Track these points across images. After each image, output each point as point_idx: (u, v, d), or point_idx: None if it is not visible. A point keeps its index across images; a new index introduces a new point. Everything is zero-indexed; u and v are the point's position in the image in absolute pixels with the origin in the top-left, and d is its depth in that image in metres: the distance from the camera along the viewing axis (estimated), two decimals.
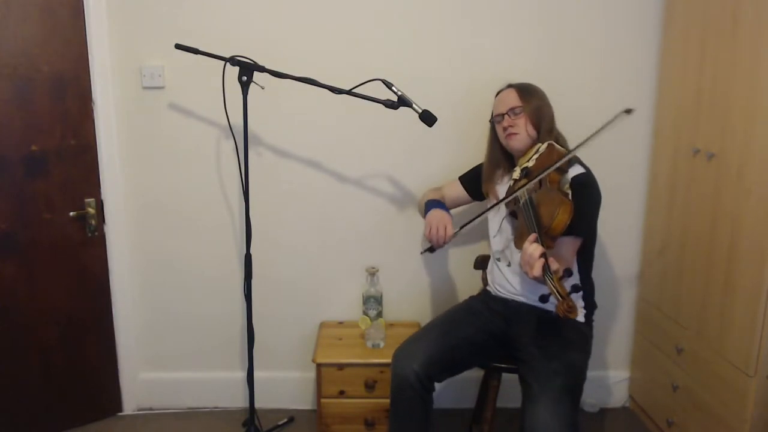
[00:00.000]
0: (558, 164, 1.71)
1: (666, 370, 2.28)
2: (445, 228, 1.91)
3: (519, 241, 1.72)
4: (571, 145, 1.92)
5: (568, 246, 1.76)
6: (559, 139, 1.94)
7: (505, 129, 1.92)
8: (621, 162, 2.42)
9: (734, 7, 1.85)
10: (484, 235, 2.37)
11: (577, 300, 1.95)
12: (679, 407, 2.18)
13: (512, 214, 1.91)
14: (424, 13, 2.29)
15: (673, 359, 2.23)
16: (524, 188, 1.74)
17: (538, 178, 1.72)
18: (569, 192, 1.78)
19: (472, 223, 1.85)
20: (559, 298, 1.44)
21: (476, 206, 2.24)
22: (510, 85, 1.98)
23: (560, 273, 1.49)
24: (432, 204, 2.06)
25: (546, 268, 1.48)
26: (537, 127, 1.91)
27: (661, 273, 2.32)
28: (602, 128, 1.59)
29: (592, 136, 1.60)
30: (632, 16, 2.31)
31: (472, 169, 2.17)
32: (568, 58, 2.33)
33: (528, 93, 1.93)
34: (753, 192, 1.78)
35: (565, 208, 1.63)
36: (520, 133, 1.90)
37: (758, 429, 1.81)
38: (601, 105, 2.35)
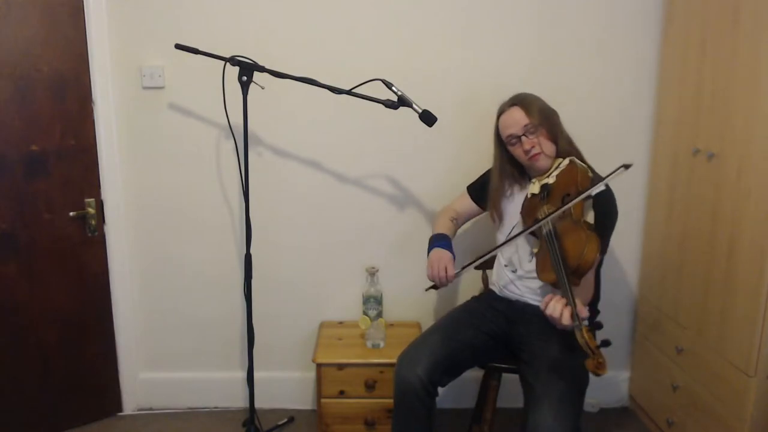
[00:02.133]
0: (587, 194, 1.68)
1: (666, 370, 2.28)
2: (446, 269, 1.87)
3: (541, 271, 1.71)
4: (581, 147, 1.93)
5: (592, 271, 1.75)
6: (571, 144, 1.91)
7: (527, 152, 1.85)
8: (621, 162, 2.41)
9: (734, 6, 1.85)
10: (484, 236, 2.37)
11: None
12: (679, 407, 2.18)
13: (533, 234, 1.84)
14: (424, 14, 2.29)
15: (673, 359, 2.23)
16: (547, 218, 1.71)
17: (564, 208, 1.68)
18: (591, 214, 1.76)
19: (479, 261, 1.83)
20: (590, 353, 1.43)
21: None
22: (513, 103, 1.90)
23: (585, 319, 1.48)
24: (435, 241, 1.98)
25: (575, 317, 1.48)
26: (554, 140, 1.87)
27: (661, 273, 2.32)
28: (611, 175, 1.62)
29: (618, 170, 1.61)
30: (632, 17, 2.31)
31: (479, 178, 2.13)
32: (569, 58, 2.33)
33: (533, 106, 1.88)
34: (753, 192, 1.78)
35: (592, 246, 1.59)
36: (545, 151, 1.85)
37: (758, 429, 1.81)
38: (602, 105, 2.36)
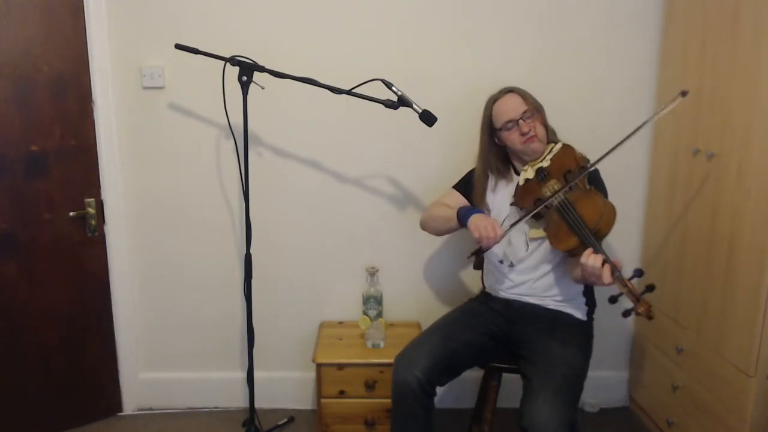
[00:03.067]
0: (593, 165, 1.78)
1: (666, 370, 2.28)
2: (495, 229, 1.81)
3: (557, 241, 1.76)
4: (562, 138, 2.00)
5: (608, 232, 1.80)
6: (555, 135, 2.00)
7: (524, 134, 1.89)
8: (621, 162, 2.41)
9: (734, 7, 1.85)
10: None
11: (579, 297, 1.95)
12: (679, 407, 2.18)
13: (534, 216, 1.87)
14: (424, 14, 2.29)
15: (672, 359, 2.23)
16: (561, 191, 1.77)
17: (579, 177, 1.77)
18: None
19: (520, 221, 1.85)
20: (636, 300, 1.47)
21: None
22: (510, 90, 1.97)
23: (628, 273, 1.52)
24: (469, 210, 1.93)
25: (614, 271, 1.53)
26: (545, 125, 1.94)
27: (661, 273, 2.32)
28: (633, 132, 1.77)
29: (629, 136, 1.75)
30: (632, 17, 2.31)
31: (464, 177, 2.13)
32: (568, 58, 2.33)
33: (527, 95, 1.95)
34: (753, 192, 1.78)
35: (610, 210, 1.67)
36: (538, 135, 1.90)
37: (758, 429, 1.81)
38: (602, 105, 2.36)
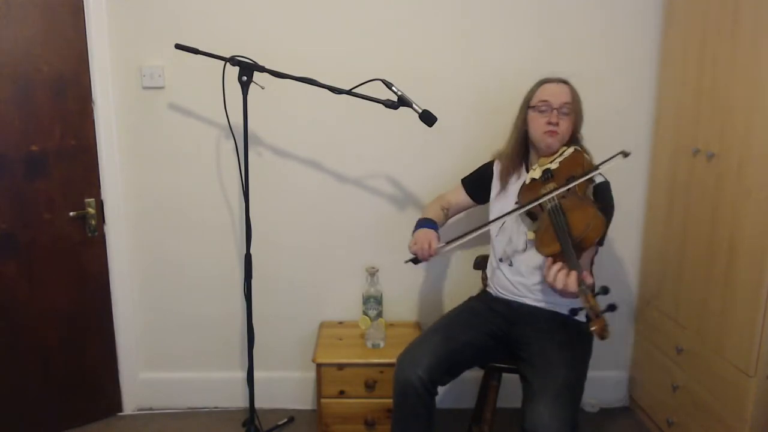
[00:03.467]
0: (592, 174, 1.73)
1: (666, 370, 2.28)
2: (430, 243, 1.90)
3: (542, 245, 1.71)
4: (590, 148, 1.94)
5: (590, 254, 1.76)
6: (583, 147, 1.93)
7: (549, 123, 1.87)
8: (621, 162, 2.41)
9: (734, 7, 1.85)
10: (484, 236, 2.36)
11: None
12: (679, 407, 2.18)
13: (529, 215, 1.88)
14: (424, 14, 2.29)
15: (672, 359, 2.23)
16: (553, 193, 1.73)
17: (571, 185, 1.71)
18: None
19: (460, 240, 1.84)
20: (595, 317, 1.43)
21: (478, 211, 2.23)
22: (563, 81, 1.92)
23: (594, 288, 1.49)
24: (422, 223, 2.03)
25: (581, 282, 1.49)
26: (574, 131, 1.91)
27: (661, 273, 2.32)
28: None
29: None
30: (632, 16, 2.31)
31: (475, 171, 2.15)
32: (569, 57, 2.33)
33: (577, 96, 1.91)
34: (753, 192, 1.78)
35: (599, 222, 1.62)
36: (561, 133, 1.88)
37: (758, 429, 1.81)
38: (601, 105, 2.35)
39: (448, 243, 1.88)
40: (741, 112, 1.83)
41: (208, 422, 2.49)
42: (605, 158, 1.73)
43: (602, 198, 1.84)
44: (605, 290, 1.49)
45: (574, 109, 1.89)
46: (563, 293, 1.55)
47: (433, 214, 2.11)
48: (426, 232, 1.95)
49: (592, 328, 1.43)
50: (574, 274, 1.52)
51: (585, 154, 1.82)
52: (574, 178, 1.74)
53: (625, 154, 1.69)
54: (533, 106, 1.91)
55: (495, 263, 2.03)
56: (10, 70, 2.08)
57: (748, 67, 1.79)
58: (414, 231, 2.01)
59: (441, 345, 1.87)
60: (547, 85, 1.93)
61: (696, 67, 2.07)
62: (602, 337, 1.43)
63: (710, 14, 1.98)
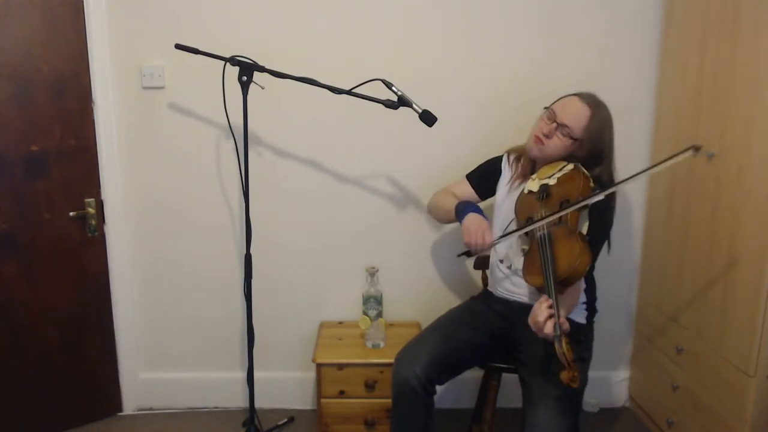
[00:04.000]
0: (586, 202, 1.65)
1: (666, 370, 2.28)
2: (484, 236, 1.79)
3: (528, 273, 1.71)
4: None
5: (580, 280, 1.75)
6: (611, 177, 1.84)
7: (540, 129, 1.82)
8: (621, 162, 2.41)
9: (734, 7, 1.85)
10: None
11: (579, 304, 1.94)
12: (679, 407, 2.18)
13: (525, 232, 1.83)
14: (424, 14, 2.29)
15: (673, 359, 2.23)
16: (545, 221, 1.69)
17: (563, 213, 1.67)
18: (586, 225, 1.75)
19: (511, 235, 1.81)
20: (566, 365, 1.45)
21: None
22: (587, 102, 1.80)
23: (567, 330, 1.49)
24: (466, 208, 1.89)
25: (557, 327, 1.49)
26: (584, 157, 1.81)
27: (661, 273, 2.32)
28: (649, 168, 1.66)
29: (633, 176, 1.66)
30: (632, 16, 2.31)
31: (479, 167, 2.12)
32: (569, 57, 2.33)
33: (595, 129, 1.78)
34: (753, 192, 1.78)
35: (585, 260, 1.59)
36: (548, 149, 1.81)
37: (758, 429, 1.81)
38: None
39: (500, 237, 1.84)
40: (741, 112, 1.83)
41: (208, 422, 2.49)
42: (675, 152, 1.61)
43: (598, 220, 1.76)
44: (579, 341, 1.50)
45: (578, 136, 1.78)
46: (540, 333, 1.54)
47: (458, 199, 2.03)
48: (478, 223, 1.81)
49: (562, 376, 1.45)
50: (552, 319, 1.51)
51: (583, 173, 1.75)
52: (568, 203, 1.68)
53: (696, 149, 1.60)
54: (547, 107, 1.87)
55: (496, 264, 2.02)
56: (10, 70, 2.08)
57: (748, 67, 1.79)
58: (460, 217, 1.87)
59: (439, 344, 1.87)
60: (570, 98, 1.84)
61: (696, 67, 2.07)
62: (570, 386, 1.45)
63: (710, 14, 1.98)
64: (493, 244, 1.81)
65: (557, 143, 1.82)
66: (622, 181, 1.72)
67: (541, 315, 1.53)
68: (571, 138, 1.80)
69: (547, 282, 1.58)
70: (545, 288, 1.59)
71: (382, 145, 2.39)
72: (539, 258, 1.65)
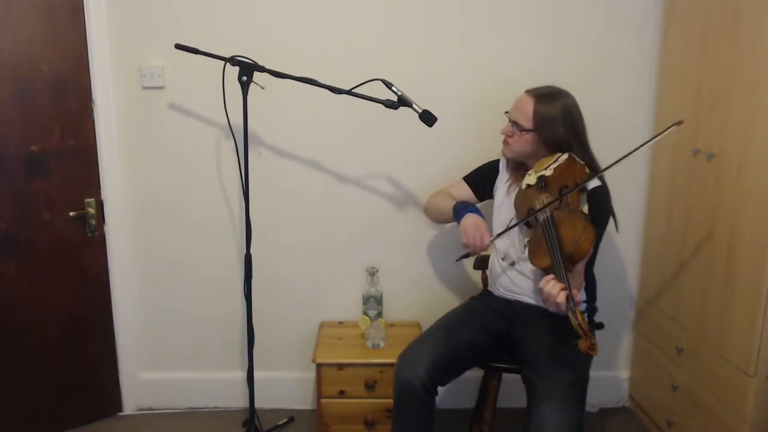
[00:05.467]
0: (584, 184, 1.73)
1: (666, 370, 2.28)
2: (483, 236, 1.83)
3: (534, 256, 1.72)
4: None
5: (582, 264, 1.76)
6: (593, 165, 1.88)
7: (505, 131, 1.93)
8: (621, 162, 2.41)
9: (734, 7, 1.85)
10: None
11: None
12: (679, 407, 2.18)
13: (526, 224, 1.85)
14: (424, 14, 2.29)
15: (673, 359, 2.23)
16: (546, 206, 1.73)
17: (563, 196, 1.71)
18: (585, 208, 1.79)
19: (507, 231, 1.85)
20: (583, 334, 1.46)
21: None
22: (533, 96, 1.86)
23: (581, 305, 1.51)
24: (463, 208, 1.93)
25: (570, 299, 1.50)
26: (549, 147, 1.86)
27: (661, 273, 2.32)
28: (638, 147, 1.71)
29: (624, 157, 1.70)
30: (632, 16, 2.31)
31: (476, 170, 2.13)
32: (568, 57, 2.33)
33: (542, 115, 1.83)
34: (753, 192, 1.78)
35: (589, 236, 1.62)
36: (513, 146, 1.91)
37: (758, 429, 1.81)
38: (601, 105, 2.35)
39: (498, 235, 1.88)
40: (741, 112, 1.83)
41: (208, 422, 2.49)
42: (661, 131, 1.72)
43: (595, 205, 1.81)
44: (600, 326, 1.52)
45: (530, 127, 1.84)
46: (552, 306, 1.55)
47: (456, 199, 2.05)
48: (476, 223, 1.86)
49: (582, 345, 1.45)
50: (564, 291, 1.52)
51: (578, 162, 1.80)
52: (566, 188, 1.73)
53: (678, 124, 1.69)
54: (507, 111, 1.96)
55: (497, 262, 2.02)
56: (10, 70, 2.08)
57: (748, 67, 1.79)
58: (458, 218, 1.92)
59: (441, 344, 1.87)
60: (520, 96, 1.91)
61: (696, 67, 2.07)
62: (589, 354, 1.46)
63: (710, 14, 1.98)
64: (490, 243, 1.85)
65: (518, 140, 1.90)
66: (617, 162, 1.73)
67: (554, 288, 1.54)
68: (524, 131, 1.87)
69: (554, 260, 1.60)
70: (554, 266, 1.60)
71: (382, 145, 2.39)
72: (545, 240, 1.67)
